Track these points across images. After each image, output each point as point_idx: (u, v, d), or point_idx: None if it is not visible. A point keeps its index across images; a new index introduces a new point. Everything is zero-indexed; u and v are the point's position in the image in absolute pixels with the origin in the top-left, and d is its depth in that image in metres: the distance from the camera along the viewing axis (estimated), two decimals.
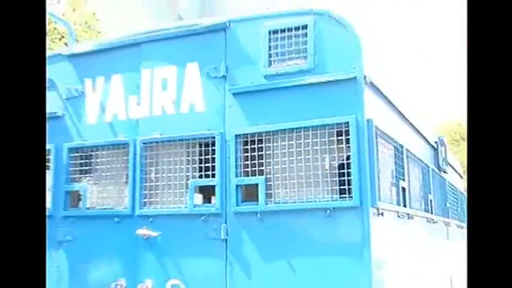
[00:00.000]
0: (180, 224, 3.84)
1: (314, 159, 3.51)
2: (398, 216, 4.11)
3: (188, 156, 3.91)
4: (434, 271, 5.62)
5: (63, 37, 14.91)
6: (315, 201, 3.46)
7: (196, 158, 3.88)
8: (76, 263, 4.16)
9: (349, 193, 3.37)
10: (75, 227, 4.20)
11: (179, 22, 4.41)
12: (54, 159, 4.35)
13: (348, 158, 3.43)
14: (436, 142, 6.26)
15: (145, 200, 3.98)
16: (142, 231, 3.89)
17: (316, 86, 3.56)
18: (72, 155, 4.32)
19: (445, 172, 6.60)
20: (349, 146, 3.42)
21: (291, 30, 3.69)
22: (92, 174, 4.31)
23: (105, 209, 4.17)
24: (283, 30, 3.71)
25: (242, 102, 3.77)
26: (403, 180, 4.29)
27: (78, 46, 4.52)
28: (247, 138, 3.72)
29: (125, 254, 3.96)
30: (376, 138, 3.66)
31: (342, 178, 3.42)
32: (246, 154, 3.70)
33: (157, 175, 3.99)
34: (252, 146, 3.68)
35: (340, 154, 3.48)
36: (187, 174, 3.90)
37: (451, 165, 7.45)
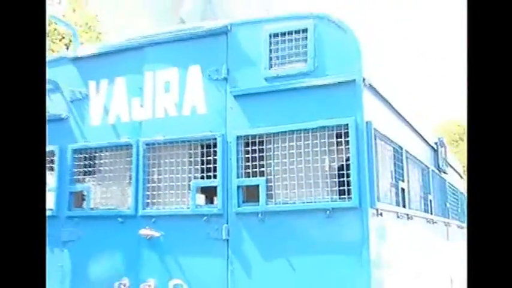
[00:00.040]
0: (182, 224, 3.89)
1: (314, 161, 3.56)
2: (398, 217, 4.16)
3: (190, 157, 3.96)
4: (435, 271, 5.66)
5: (63, 38, 14.99)
6: (314, 202, 3.51)
7: (198, 159, 3.93)
8: (80, 263, 4.21)
9: (348, 194, 3.43)
10: (79, 227, 4.26)
11: (181, 25, 4.47)
12: (58, 161, 4.42)
13: (348, 159, 3.48)
14: (436, 143, 6.31)
15: (148, 200, 4.03)
16: (145, 231, 3.94)
17: (316, 89, 3.62)
18: (76, 156, 4.38)
19: (445, 173, 6.65)
20: (348, 148, 3.47)
21: (291, 34, 3.74)
22: (95, 175, 4.38)
23: (108, 209, 4.23)
24: (283, 34, 3.76)
25: (243, 104, 3.82)
26: (403, 181, 4.35)
27: (83, 49, 4.58)
28: (248, 139, 3.77)
29: (128, 253, 4.02)
30: (375, 140, 3.72)
31: (342, 179, 3.48)
32: (247, 155, 3.75)
33: (160, 176, 4.05)
34: (253, 148, 3.73)
35: (340, 156, 3.54)
36: (189, 175, 3.95)
37: (451, 166, 7.49)
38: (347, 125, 3.47)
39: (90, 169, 4.36)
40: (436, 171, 6.21)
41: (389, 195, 4.13)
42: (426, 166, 5.56)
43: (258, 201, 3.66)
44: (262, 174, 3.70)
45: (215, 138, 3.84)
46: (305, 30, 3.70)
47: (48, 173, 4.49)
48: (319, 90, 3.61)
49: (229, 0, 4.76)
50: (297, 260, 3.49)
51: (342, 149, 3.52)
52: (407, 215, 4.44)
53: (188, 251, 3.83)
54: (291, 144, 3.63)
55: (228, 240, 3.71)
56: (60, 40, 15.33)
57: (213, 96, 3.93)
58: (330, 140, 3.54)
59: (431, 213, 5.55)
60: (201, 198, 4.27)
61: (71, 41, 15.96)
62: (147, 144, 4.09)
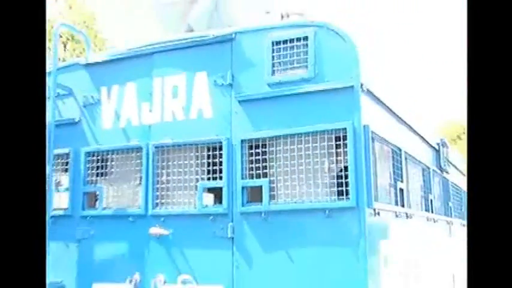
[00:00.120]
0: (189, 223, 4.04)
1: (314, 163, 3.70)
2: (396, 216, 4.31)
3: (197, 159, 4.11)
4: (436, 269, 5.78)
5: (60, 36, 15.16)
6: (314, 202, 3.66)
7: (205, 161, 4.07)
8: (93, 260, 4.37)
9: (346, 194, 3.56)
10: (92, 225, 4.41)
11: (188, 33, 4.65)
12: (72, 163, 4.59)
13: (346, 161, 3.62)
14: (437, 143, 6.44)
15: (157, 200, 4.18)
16: (154, 230, 4.08)
17: (316, 94, 3.75)
18: (89, 158, 4.53)
19: (447, 172, 6.76)
20: (346, 151, 3.62)
21: (293, 41, 3.88)
22: (107, 177, 4.53)
23: (120, 209, 4.38)
24: (285, 41, 3.90)
25: (247, 109, 3.97)
26: (401, 181, 4.50)
27: (95, 56, 4.77)
28: (252, 143, 3.91)
29: (138, 250, 4.17)
30: (374, 142, 3.87)
31: (340, 180, 3.61)
32: (251, 158, 3.89)
33: (168, 177, 4.19)
34: (257, 150, 3.88)
35: (339, 158, 3.68)
36: (196, 176, 4.10)
37: (454, 166, 7.59)
38: (345, 128, 3.62)
39: (102, 171, 4.50)
40: (438, 171, 6.34)
41: (388, 195, 4.29)
42: (427, 166, 5.69)
43: (261, 201, 3.80)
44: (265, 175, 3.84)
45: (221, 142, 3.99)
46: (306, 38, 3.84)
47: (63, 174, 4.70)
48: (319, 96, 3.75)
49: (233, 7, 4.92)
50: (297, 257, 3.64)
51: (340, 152, 3.67)
52: (407, 214, 4.58)
53: (195, 248, 3.98)
54: (293, 147, 3.77)
55: (233, 238, 3.86)
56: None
57: (219, 101, 4.09)
58: (329, 143, 3.69)
59: (432, 212, 5.68)
60: (210, 198, 4.44)
61: (68, 39, 16.13)
62: (156, 147, 4.25)
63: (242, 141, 3.94)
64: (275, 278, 3.70)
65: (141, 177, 4.29)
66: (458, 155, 8.63)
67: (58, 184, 4.62)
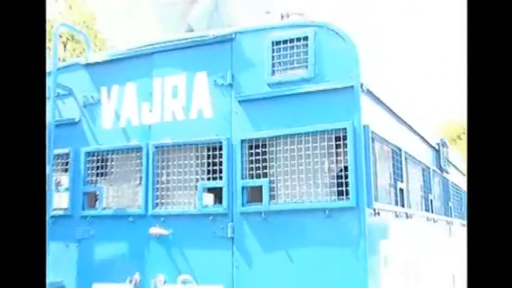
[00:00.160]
0: (189, 223, 4.04)
1: (314, 163, 3.71)
2: (396, 216, 4.32)
3: (197, 159, 4.11)
4: (436, 269, 5.79)
5: (60, 36, 15.18)
6: (314, 202, 3.67)
7: (205, 161, 4.08)
8: (94, 260, 4.38)
9: (346, 194, 3.56)
10: (92, 225, 4.41)
11: (188, 34, 4.65)
12: (72, 163, 4.59)
13: (346, 161, 3.63)
14: (437, 144, 6.44)
15: (157, 200, 4.18)
16: (155, 230, 4.08)
17: (316, 94, 3.76)
18: (89, 158, 4.53)
19: (447, 172, 6.77)
20: (346, 151, 3.62)
21: (293, 41, 3.89)
22: (107, 177, 4.53)
23: (120, 209, 4.38)
24: (285, 41, 3.91)
25: (247, 109, 3.98)
26: (401, 181, 4.50)
27: (95, 56, 4.78)
28: (252, 143, 3.92)
29: (139, 250, 4.18)
30: (373, 142, 3.88)
31: (340, 180, 3.61)
32: (251, 158, 3.90)
33: (168, 177, 4.20)
34: (257, 150, 3.88)
35: (339, 158, 3.69)
36: (196, 176, 4.11)
37: (454, 166, 7.60)
38: (345, 128, 3.62)
39: (102, 171, 4.51)
40: (438, 171, 6.34)
41: (388, 195, 4.29)
42: (427, 166, 5.70)
43: (261, 201, 3.80)
44: (265, 175, 3.85)
45: (221, 142, 4.00)
46: (306, 38, 3.85)
47: (63, 174, 4.70)
48: (319, 96, 3.75)
49: (233, 7, 4.93)
50: (297, 257, 3.65)
51: (340, 152, 3.68)
52: (407, 214, 4.59)
53: (195, 248, 3.99)
54: (292, 147, 3.78)
55: (233, 238, 3.87)
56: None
57: (219, 101, 4.09)
58: (329, 143, 3.69)
59: (432, 212, 5.69)
60: (210, 198, 4.44)
61: (68, 39, 16.14)
62: (156, 147, 4.26)
63: (242, 141, 3.95)
64: (275, 278, 3.71)
65: (141, 177, 4.29)
66: (458, 155, 8.63)
67: (58, 184, 4.62)
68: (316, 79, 3.78)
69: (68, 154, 4.63)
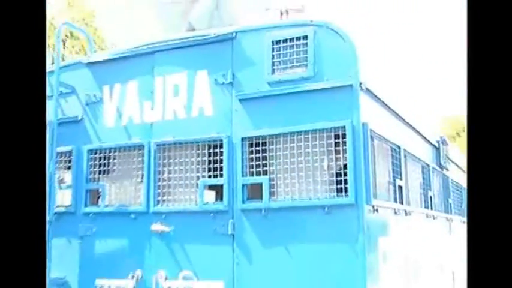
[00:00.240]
0: (190, 220, 4.09)
1: (314, 160, 3.75)
2: (395, 213, 4.36)
3: (198, 157, 4.16)
4: (435, 265, 5.84)
5: (66, 36, 15.22)
6: (314, 199, 3.72)
7: (206, 159, 4.12)
8: (96, 256, 4.43)
9: (345, 191, 3.60)
10: (95, 222, 4.46)
11: (190, 33, 4.70)
12: (75, 160, 4.65)
13: (345, 159, 3.67)
14: (437, 141, 6.48)
15: (159, 198, 4.23)
16: (156, 227, 4.13)
17: (315, 93, 3.80)
18: (91, 156, 4.58)
19: (447, 170, 6.80)
20: (345, 148, 3.66)
21: (293, 41, 3.92)
22: (110, 174, 4.57)
23: (122, 206, 4.44)
24: (285, 41, 3.95)
25: (248, 107, 4.02)
26: (400, 179, 4.54)
27: (97, 55, 4.83)
28: (252, 140, 3.96)
29: (140, 247, 4.23)
30: (372, 140, 3.92)
31: (339, 178, 3.66)
32: (251, 155, 3.94)
33: (170, 175, 4.24)
34: (257, 148, 3.93)
35: (338, 156, 3.72)
36: (197, 174, 4.15)
37: (454, 163, 7.63)
38: (344, 127, 3.66)
39: (104, 168, 4.55)
40: (438, 168, 6.38)
41: (387, 192, 4.33)
42: (426, 164, 5.73)
43: (262, 198, 3.85)
44: (265, 173, 3.89)
45: (221, 139, 4.04)
46: (305, 37, 3.89)
47: (65, 171, 4.76)
48: (319, 94, 3.79)
49: (234, 6, 4.99)
50: (297, 253, 3.70)
51: (339, 150, 3.71)
52: (406, 211, 4.63)
53: (196, 244, 4.03)
54: (292, 145, 3.82)
55: (233, 234, 3.91)
56: (57, 36, 15.51)
57: (220, 100, 4.13)
58: (329, 141, 3.73)
59: (432, 209, 5.73)
60: (212, 195, 4.49)
61: (66, 36, 16.18)
62: (157, 145, 4.30)
63: (242, 139, 3.99)
64: (275, 274, 3.75)
65: (142, 175, 4.34)
66: (458, 152, 8.66)
67: (61, 181, 4.67)
68: (316, 78, 3.82)
69: (70, 152, 4.68)
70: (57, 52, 4.69)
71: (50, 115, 4.41)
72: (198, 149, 4.18)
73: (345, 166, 3.67)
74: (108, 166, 4.57)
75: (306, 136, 3.79)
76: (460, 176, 8.08)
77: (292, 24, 4.08)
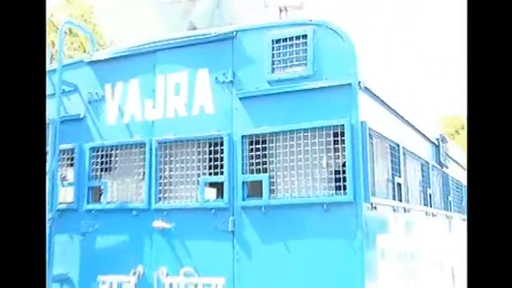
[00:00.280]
0: (191, 217, 4.14)
1: (313, 158, 3.80)
2: (394, 210, 4.41)
3: (199, 155, 4.21)
4: (434, 262, 5.88)
5: (57, 28, 15.21)
6: (313, 197, 3.76)
7: (206, 156, 4.17)
8: (98, 252, 4.49)
9: (344, 189, 3.66)
10: (97, 219, 4.52)
11: (191, 32, 4.74)
12: (77, 158, 4.70)
13: (344, 157, 3.71)
14: (437, 139, 6.51)
15: (160, 195, 4.28)
16: (158, 224, 4.18)
17: (315, 91, 3.84)
18: (93, 153, 4.64)
19: (446, 167, 6.84)
20: (344, 146, 3.71)
21: (292, 40, 3.97)
22: (111, 172, 4.62)
23: (124, 203, 4.49)
24: (285, 40, 4.00)
25: (248, 105, 4.07)
26: (399, 176, 4.58)
27: (99, 54, 4.87)
28: (252, 138, 4.01)
29: (142, 244, 4.28)
30: (371, 138, 3.96)
31: (338, 175, 3.71)
32: (251, 153, 3.99)
33: (171, 172, 4.29)
34: (257, 146, 3.98)
35: (337, 154, 3.76)
36: (198, 171, 4.20)
37: (455, 160, 7.66)
38: (343, 125, 3.70)
39: (106, 166, 4.60)
40: (438, 166, 6.42)
41: (386, 190, 4.38)
42: (426, 162, 5.77)
43: (261, 195, 3.90)
44: (265, 170, 3.94)
45: (222, 137, 4.08)
46: (305, 37, 3.93)
47: (68, 169, 4.81)
48: (318, 93, 3.83)
49: (234, 4, 5.04)
50: (296, 250, 3.75)
51: (338, 148, 3.75)
52: (404, 208, 4.67)
53: (197, 241, 4.08)
54: (292, 143, 3.87)
55: (233, 231, 3.96)
56: (55, 31, 15.58)
57: (220, 98, 4.18)
58: (328, 139, 3.77)
59: (431, 207, 5.77)
60: (213, 193, 4.53)
61: (65, 33, 16.22)
62: (159, 143, 4.35)
63: (243, 137, 4.04)
64: (275, 270, 3.81)
65: (144, 172, 4.39)
66: (459, 150, 8.69)
67: (64, 179, 4.73)
68: (315, 77, 3.86)
69: (73, 149, 4.73)
70: (59, 51, 4.73)
71: (53, 113, 4.46)
72: (199, 147, 4.23)
73: (344, 164, 3.71)
74: (110, 164, 4.62)
75: (306, 134, 3.84)
76: (460, 174, 8.11)
77: (292, 23, 4.12)
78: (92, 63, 4.81)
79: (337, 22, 3.95)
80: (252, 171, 3.99)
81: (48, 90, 4.75)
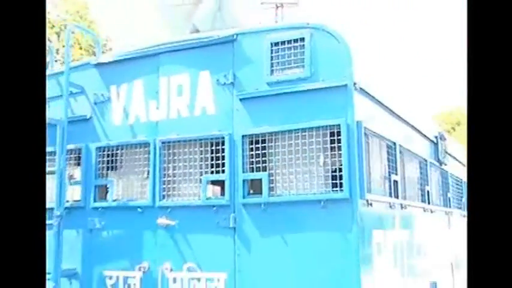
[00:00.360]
0: (194, 214, 4.27)
1: (310, 157, 3.92)
2: (390, 207, 4.54)
3: (201, 154, 4.34)
4: (433, 257, 5.99)
5: (54, 26, 15.32)
6: (311, 194, 3.89)
7: (208, 155, 4.29)
8: (104, 249, 4.63)
9: (340, 187, 3.77)
10: (103, 216, 4.66)
11: (193, 35, 4.88)
12: (84, 157, 4.84)
13: (340, 156, 3.83)
14: (435, 137, 6.62)
15: (164, 193, 4.41)
16: (162, 220, 4.32)
17: (312, 92, 3.96)
18: (100, 153, 4.78)
19: (445, 164, 6.94)
20: (340, 146, 3.84)
21: (290, 42, 4.09)
22: (117, 170, 4.77)
23: (129, 200, 4.63)
24: (283, 42, 4.11)
25: (248, 106, 4.19)
26: (396, 174, 4.71)
27: (105, 56, 5.02)
28: (252, 138, 4.13)
29: (146, 240, 4.42)
30: (367, 137, 4.10)
31: (334, 173, 3.83)
32: (251, 152, 4.11)
33: (174, 171, 4.42)
34: (257, 145, 4.10)
35: (333, 152, 3.88)
36: (200, 170, 4.34)
37: (454, 157, 7.75)
38: (339, 125, 3.83)
39: (112, 165, 4.74)
40: (436, 163, 6.52)
41: (382, 187, 4.51)
42: (424, 159, 5.89)
43: (261, 193, 4.03)
44: (264, 169, 4.06)
45: (223, 137, 4.21)
46: (302, 39, 4.05)
47: (75, 168, 4.97)
48: (315, 94, 3.95)
49: (235, 6, 5.18)
50: (295, 245, 3.88)
51: (335, 147, 3.87)
52: (401, 204, 4.80)
53: (200, 237, 4.22)
54: (290, 142, 3.99)
55: (235, 228, 4.09)
56: (51, 28, 15.73)
57: (221, 99, 4.30)
58: (324, 139, 3.90)
59: (429, 203, 5.88)
60: (216, 190, 4.67)
61: (61, 29, 16.34)
62: (162, 143, 4.48)
63: (243, 136, 4.16)
64: (274, 265, 3.94)
65: (148, 171, 4.52)
66: (458, 146, 8.78)
67: (71, 177, 4.86)
68: (312, 78, 3.98)
69: (80, 149, 4.87)
70: (66, 53, 4.89)
71: (61, 114, 4.62)
72: (201, 146, 4.36)
73: (340, 162, 3.84)
74: (115, 163, 4.76)
75: (303, 134, 3.96)
76: (460, 170, 8.20)
77: (290, 26, 4.25)
78: (97, 65, 4.94)
79: (333, 19, 4.09)
80: (252, 170, 4.11)
81: (56, 92, 4.92)
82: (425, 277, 5.48)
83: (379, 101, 4.46)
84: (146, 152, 4.57)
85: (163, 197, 4.43)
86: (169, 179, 4.45)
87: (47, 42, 5.07)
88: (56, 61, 5.92)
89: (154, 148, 4.51)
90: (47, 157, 4.29)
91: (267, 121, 4.11)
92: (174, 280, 4.26)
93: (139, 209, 4.51)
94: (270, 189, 4.02)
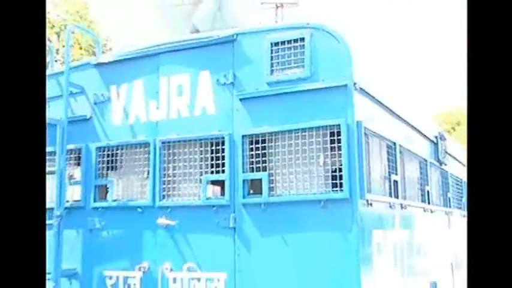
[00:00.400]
0: (194, 214, 4.27)
1: (310, 157, 3.92)
2: (390, 207, 4.54)
3: (201, 154, 4.34)
4: (433, 257, 6.00)
5: (54, 26, 15.33)
6: (311, 194, 3.89)
7: (208, 155, 4.29)
8: (104, 249, 4.63)
9: (340, 187, 3.78)
10: (103, 216, 4.66)
11: (193, 35, 4.89)
12: (84, 157, 4.84)
13: (340, 156, 3.84)
14: (435, 137, 6.62)
15: (164, 192, 4.41)
16: (162, 220, 4.32)
17: (312, 92, 3.96)
18: (100, 153, 4.78)
19: (445, 164, 6.94)
20: (340, 145, 3.84)
21: (290, 43, 4.09)
22: (117, 170, 4.77)
23: (129, 200, 4.63)
24: (283, 42, 4.11)
25: (248, 106, 4.19)
26: (395, 174, 4.71)
27: (105, 57, 5.02)
28: (252, 138, 4.14)
29: (146, 240, 4.42)
30: (367, 137, 4.10)
31: (334, 173, 3.83)
32: (251, 152, 4.12)
33: (174, 171, 4.43)
34: (257, 145, 4.10)
35: (333, 152, 3.88)
36: (200, 170, 4.34)
37: (454, 157, 7.76)
38: (339, 125, 3.83)
39: (112, 165, 4.74)
40: (436, 163, 6.53)
41: (382, 187, 4.51)
42: (424, 159, 5.89)
43: (261, 193, 4.03)
44: (264, 169, 4.06)
45: (223, 137, 4.21)
46: (302, 39, 4.05)
47: (75, 168, 4.97)
48: (315, 94, 3.95)
49: (235, 6, 5.19)
50: (295, 245, 3.88)
51: (335, 147, 3.87)
52: (401, 204, 4.80)
53: (200, 237, 4.22)
54: (290, 142, 3.99)
55: (234, 228, 4.09)
56: (51, 28, 15.75)
57: (221, 99, 4.31)
58: (324, 139, 3.90)
59: (429, 203, 5.89)
60: (217, 190, 4.68)
61: (61, 29, 16.36)
62: (162, 143, 4.48)
63: (243, 136, 4.17)
64: (274, 264, 3.94)
65: (148, 171, 4.52)
66: (458, 146, 8.78)
67: (71, 177, 4.87)
68: (312, 78, 3.98)
69: (80, 149, 4.87)
70: (66, 53, 4.89)
71: (61, 114, 4.62)
72: (201, 146, 4.36)
73: (340, 162, 3.84)
74: (115, 163, 4.76)
75: (303, 134, 3.96)
76: (460, 170, 8.21)
77: (290, 26, 4.25)
78: (98, 65, 4.94)
79: (333, 19, 4.08)
80: (252, 170, 4.11)
81: (56, 92, 4.92)
82: (425, 277, 5.49)
83: (379, 101, 4.47)
84: (146, 152, 4.57)
85: (163, 197, 4.43)
86: (169, 179, 4.45)
87: (47, 42, 5.06)
88: (56, 61, 5.92)
89: (154, 148, 4.51)
90: (47, 157, 4.29)
91: (267, 121, 4.11)
92: (174, 280, 4.26)
93: (139, 209, 4.51)
94: (270, 189, 4.02)
